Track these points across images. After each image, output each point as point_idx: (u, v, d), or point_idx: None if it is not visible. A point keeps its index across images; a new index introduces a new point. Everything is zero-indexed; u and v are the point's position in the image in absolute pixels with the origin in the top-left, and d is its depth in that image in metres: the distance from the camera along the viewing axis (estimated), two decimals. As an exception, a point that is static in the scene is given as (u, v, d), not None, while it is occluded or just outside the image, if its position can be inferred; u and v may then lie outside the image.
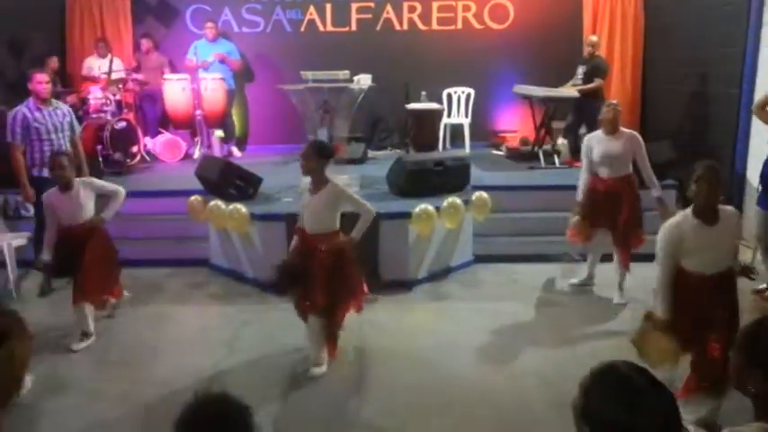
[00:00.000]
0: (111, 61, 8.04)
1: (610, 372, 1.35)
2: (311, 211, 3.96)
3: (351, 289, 4.05)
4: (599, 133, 5.02)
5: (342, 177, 6.59)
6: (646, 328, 3.28)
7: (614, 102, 5.22)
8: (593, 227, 5.07)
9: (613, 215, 4.97)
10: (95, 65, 8.25)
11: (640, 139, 5.04)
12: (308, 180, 4.01)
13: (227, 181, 5.80)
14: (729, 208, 3.28)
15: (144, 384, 3.97)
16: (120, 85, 8.02)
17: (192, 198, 5.83)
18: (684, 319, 3.20)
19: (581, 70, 7.76)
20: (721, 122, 7.06)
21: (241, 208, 5.43)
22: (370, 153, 8.17)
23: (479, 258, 6.07)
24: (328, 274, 3.90)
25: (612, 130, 4.92)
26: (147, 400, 3.79)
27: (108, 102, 7.77)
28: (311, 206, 3.96)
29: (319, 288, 3.87)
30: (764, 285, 5.32)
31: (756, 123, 6.45)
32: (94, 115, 7.72)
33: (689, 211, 3.22)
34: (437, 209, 5.52)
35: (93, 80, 8.15)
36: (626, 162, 4.99)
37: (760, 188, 5.17)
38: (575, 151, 7.64)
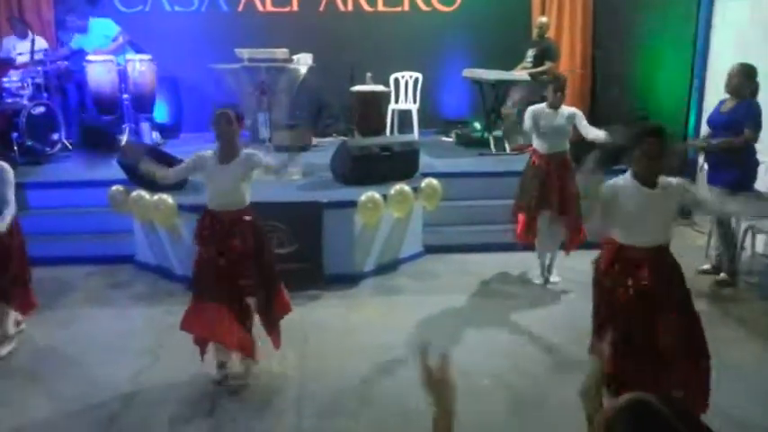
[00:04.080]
0: (32, 42, 7.34)
1: (639, 409, 0.99)
2: (223, 182, 3.51)
3: (276, 275, 3.66)
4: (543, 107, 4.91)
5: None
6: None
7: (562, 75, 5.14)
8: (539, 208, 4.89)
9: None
10: (12, 45, 7.50)
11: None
12: (207, 152, 3.62)
13: (153, 168, 5.26)
14: (674, 179, 3.00)
15: (49, 400, 3.47)
16: (40, 68, 7.31)
17: (114, 188, 5.29)
18: (630, 304, 2.92)
19: (531, 53, 7.54)
20: (672, 106, 6.96)
21: (167, 198, 4.93)
22: (314, 140, 7.76)
23: (430, 249, 5.77)
24: (256, 250, 3.53)
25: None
26: (51, 420, 3.29)
27: (24, 85, 7.08)
28: (222, 177, 3.50)
29: (249, 266, 3.50)
30: (708, 266, 5.26)
31: (708, 108, 6.36)
32: (9, 100, 7.02)
33: (628, 174, 3.00)
34: (384, 197, 5.17)
35: (10, 64, 7.41)
36: (566, 137, 4.91)
37: (705, 166, 5.08)
38: (526, 137, 7.41)
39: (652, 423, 0.97)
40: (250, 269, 3.49)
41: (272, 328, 3.66)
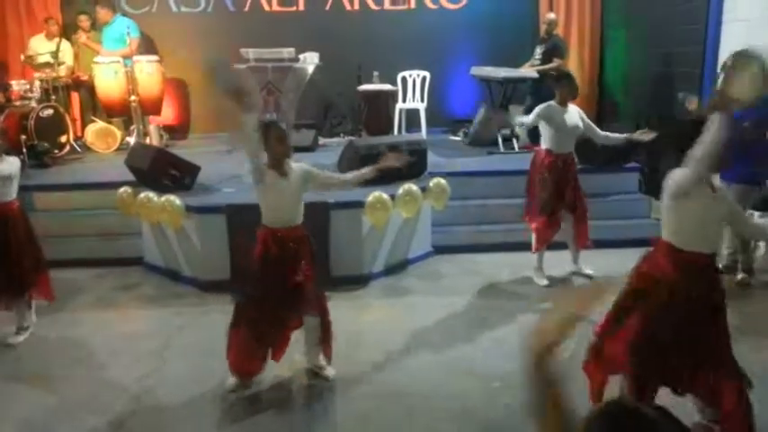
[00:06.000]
0: (58, 45, 7.40)
1: (614, 411, 0.96)
2: (287, 196, 3.29)
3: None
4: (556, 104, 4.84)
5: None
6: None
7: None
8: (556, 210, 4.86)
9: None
10: (40, 47, 7.52)
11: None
12: (263, 161, 3.31)
13: (160, 170, 5.26)
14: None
15: (57, 402, 3.46)
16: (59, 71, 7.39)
17: (122, 189, 5.26)
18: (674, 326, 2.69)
19: (539, 50, 7.48)
20: (684, 104, 6.86)
21: (174, 199, 4.90)
22: (322, 140, 7.73)
23: (439, 249, 5.72)
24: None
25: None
26: (58, 421, 3.28)
27: (32, 88, 7.11)
28: (285, 191, 3.27)
29: (311, 287, 3.44)
30: (720, 266, 5.15)
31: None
32: (17, 102, 7.04)
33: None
34: (392, 197, 5.12)
35: (33, 66, 7.42)
36: (576, 137, 4.91)
37: None
38: (534, 135, 7.34)
39: (631, 425, 0.94)
40: (310, 286, 3.43)
41: (328, 335, 3.62)
